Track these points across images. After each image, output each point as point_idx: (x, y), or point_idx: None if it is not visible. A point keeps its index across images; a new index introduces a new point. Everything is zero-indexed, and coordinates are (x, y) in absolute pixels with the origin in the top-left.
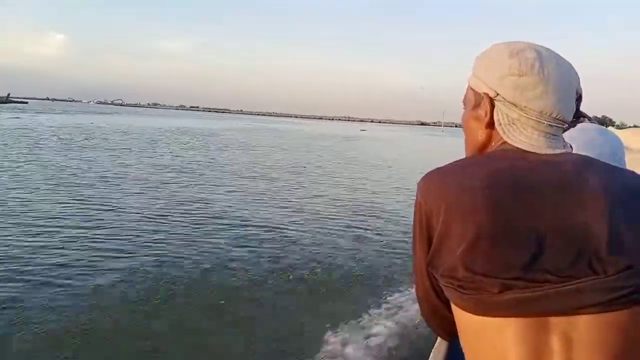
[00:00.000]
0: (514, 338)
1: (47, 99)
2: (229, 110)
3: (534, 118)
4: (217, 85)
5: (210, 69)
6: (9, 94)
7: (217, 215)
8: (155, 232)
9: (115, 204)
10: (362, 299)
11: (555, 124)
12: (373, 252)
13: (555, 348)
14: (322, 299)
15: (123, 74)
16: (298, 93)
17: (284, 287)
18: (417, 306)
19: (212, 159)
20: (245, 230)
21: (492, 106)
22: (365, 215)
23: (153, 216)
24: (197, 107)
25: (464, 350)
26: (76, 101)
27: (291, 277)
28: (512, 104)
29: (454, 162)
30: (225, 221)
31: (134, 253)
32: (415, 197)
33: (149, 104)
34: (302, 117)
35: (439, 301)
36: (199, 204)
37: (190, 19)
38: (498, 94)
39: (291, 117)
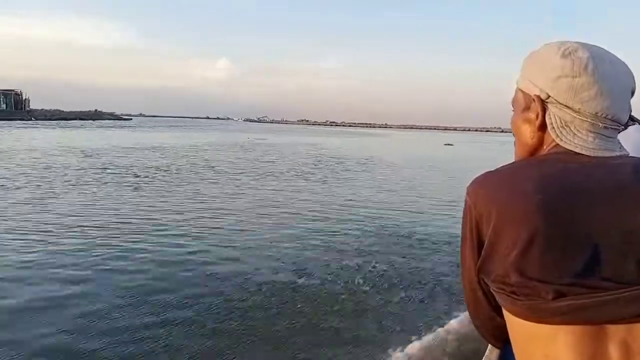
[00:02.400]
0: (568, 346)
1: (207, 117)
2: (374, 124)
3: (589, 120)
4: (361, 100)
5: (355, 85)
6: (96, 110)
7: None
8: None
9: None
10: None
11: (611, 126)
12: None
13: (614, 357)
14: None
15: (274, 92)
16: (435, 103)
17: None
18: (467, 313)
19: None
20: None
21: (544, 108)
22: None
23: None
24: (343, 122)
25: (516, 358)
26: (229, 119)
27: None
28: (565, 106)
29: (504, 165)
30: None
31: None
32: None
33: (298, 120)
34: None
35: (490, 307)
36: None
37: (337, 39)
38: (550, 96)
39: (432, 129)
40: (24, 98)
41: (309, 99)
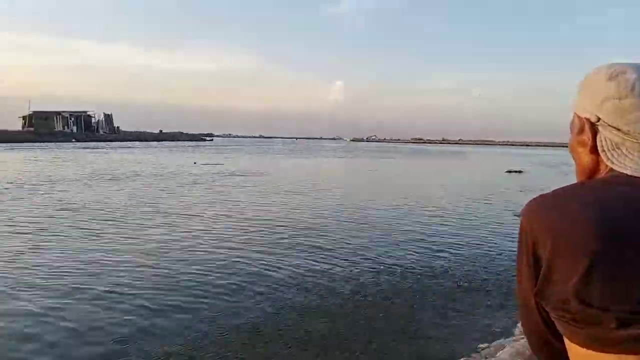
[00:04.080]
0: None
1: (321, 137)
2: (493, 141)
3: (639, 141)
4: (477, 117)
5: (469, 102)
6: (160, 130)
7: None
8: None
9: None
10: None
11: None
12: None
13: None
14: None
15: (386, 111)
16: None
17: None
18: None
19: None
20: None
21: (595, 131)
22: None
23: None
24: (460, 140)
25: None
26: (339, 138)
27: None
28: (614, 128)
29: (560, 188)
30: None
31: None
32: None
33: (412, 139)
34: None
35: (549, 334)
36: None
37: (453, 59)
38: (600, 119)
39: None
40: (96, 120)
41: (423, 117)
